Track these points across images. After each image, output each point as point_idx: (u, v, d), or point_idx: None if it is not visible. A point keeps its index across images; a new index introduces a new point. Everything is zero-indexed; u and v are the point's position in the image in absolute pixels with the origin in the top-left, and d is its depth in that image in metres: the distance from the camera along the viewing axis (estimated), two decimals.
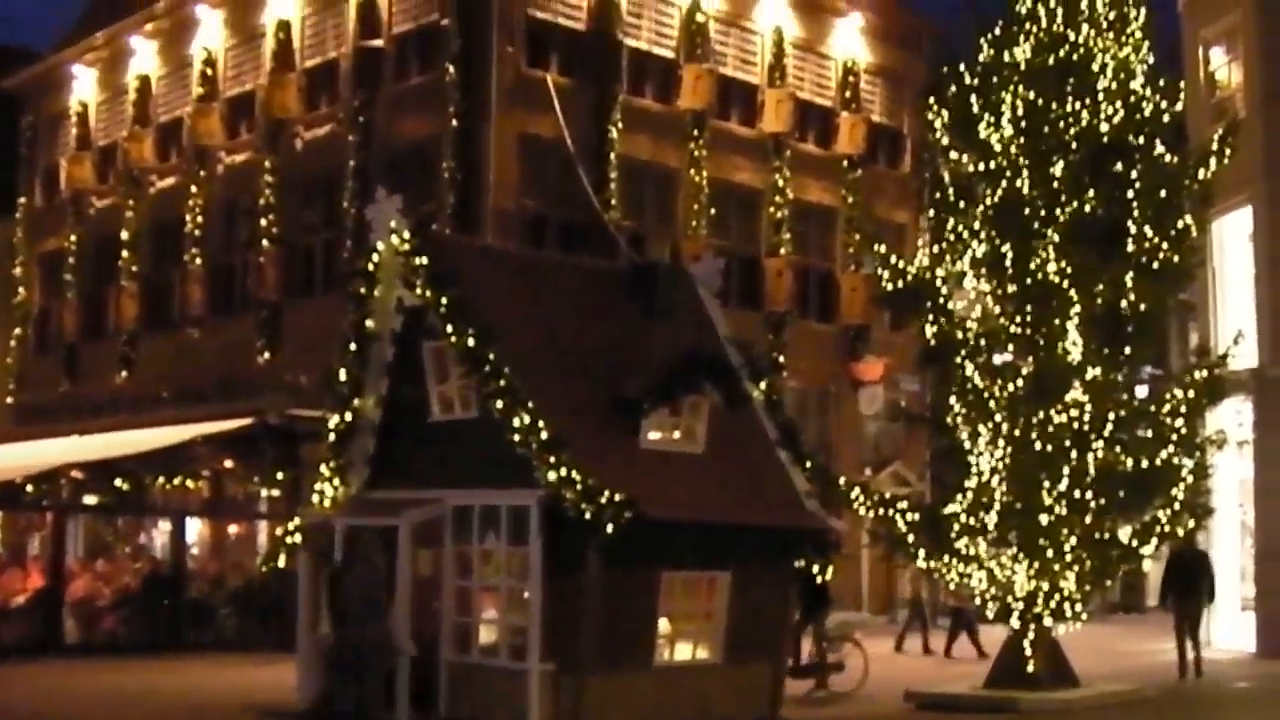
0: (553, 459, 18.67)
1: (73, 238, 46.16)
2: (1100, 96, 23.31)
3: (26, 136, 49.68)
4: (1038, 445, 22.48)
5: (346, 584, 19.06)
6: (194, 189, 41.19)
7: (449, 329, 19.82)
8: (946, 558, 23.11)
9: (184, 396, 38.53)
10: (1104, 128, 23.16)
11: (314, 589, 21.27)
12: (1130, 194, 22.87)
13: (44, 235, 47.96)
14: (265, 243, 38.29)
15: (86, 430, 36.29)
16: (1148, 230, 22.94)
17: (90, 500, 33.24)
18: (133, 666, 27.08)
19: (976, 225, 23.35)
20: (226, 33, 41.42)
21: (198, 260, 40.91)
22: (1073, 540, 22.52)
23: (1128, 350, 23.03)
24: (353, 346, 21.49)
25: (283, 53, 39.01)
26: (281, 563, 22.42)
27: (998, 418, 22.79)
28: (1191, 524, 23.69)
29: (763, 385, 21.99)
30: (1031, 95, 23.30)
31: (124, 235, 43.59)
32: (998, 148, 23.34)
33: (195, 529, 36.29)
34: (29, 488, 30.31)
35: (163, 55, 43.75)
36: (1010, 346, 23.19)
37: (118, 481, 30.79)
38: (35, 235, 48.45)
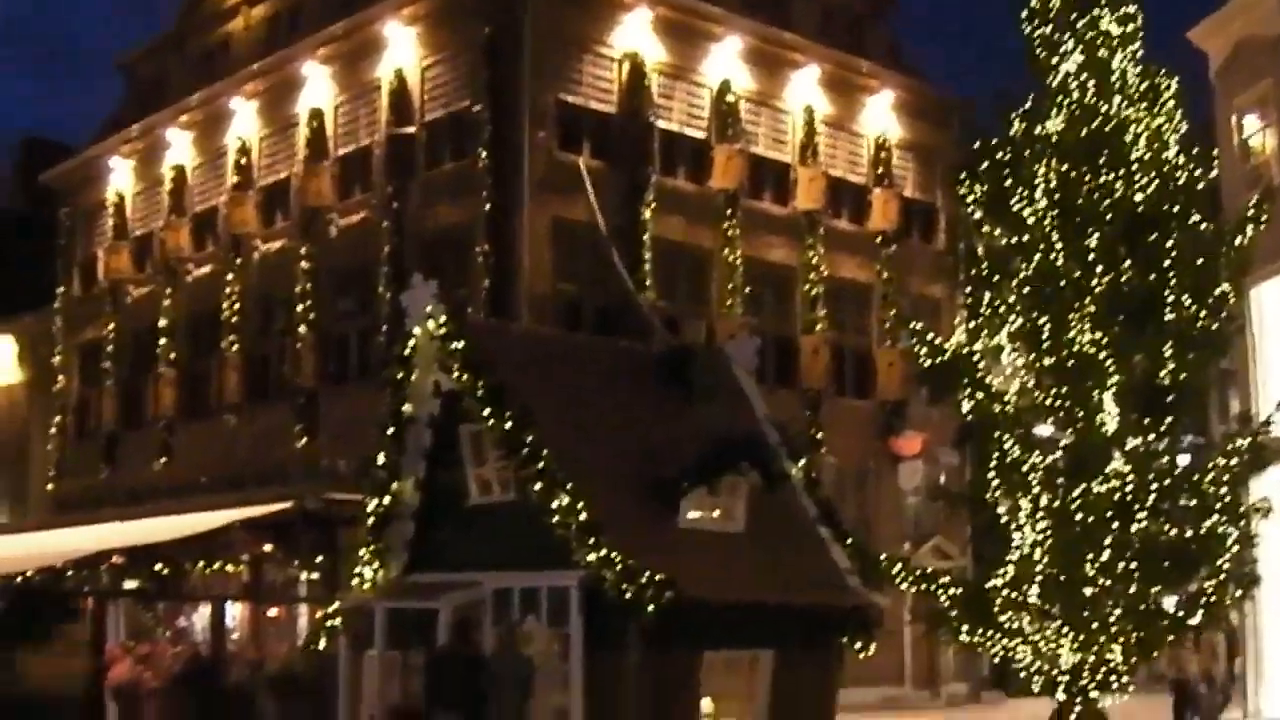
0: (592, 540, 18.68)
1: (110, 327, 46.47)
2: (1134, 167, 23.15)
3: (65, 228, 50.12)
4: (1079, 517, 22.26)
5: (494, 670, 18.92)
6: (230, 277, 41.43)
7: (486, 413, 19.87)
8: (990, 632, 22.91)
9: (222, 483, 38.51)
10: (1138, 198, 23.00)
11: (354, 673, 21.25)
12: (1166, 264, 22.66)
13: (82, 325, 48.26)
14: (301, 330, 38.40)
15: (126, 517, 36.26)
16: (1185, 299, 22.70)
17: (130, 585, 33.22)
18: None
19: (1012, 299, 23.19)
20: (260, 122, 41.74)
21: (234, 348, 41.06)
22: (1117, 612, 22.23)
23: (1168, 420, 22.80)
24: (390, 431, 21.56)
25: (316, 141, 39.27)
26: (322, 645, 22.44)
27: (1037, 491, 22.62)
28: (1238, 593, 23.42)
29: (801, 464, 21.96)
30: (1064, 168, 23.18)
31: (161, 324, 43.84)
32: (1031, 221, 23.21)
33: (234, 613, 36.20)
34: (70, 573, 30.34)
35: (197, 146, 44.11)
36: (1049, 419, 23.04)
37: (158, 566, 30.78)
38: (74, 325, 48.77)
